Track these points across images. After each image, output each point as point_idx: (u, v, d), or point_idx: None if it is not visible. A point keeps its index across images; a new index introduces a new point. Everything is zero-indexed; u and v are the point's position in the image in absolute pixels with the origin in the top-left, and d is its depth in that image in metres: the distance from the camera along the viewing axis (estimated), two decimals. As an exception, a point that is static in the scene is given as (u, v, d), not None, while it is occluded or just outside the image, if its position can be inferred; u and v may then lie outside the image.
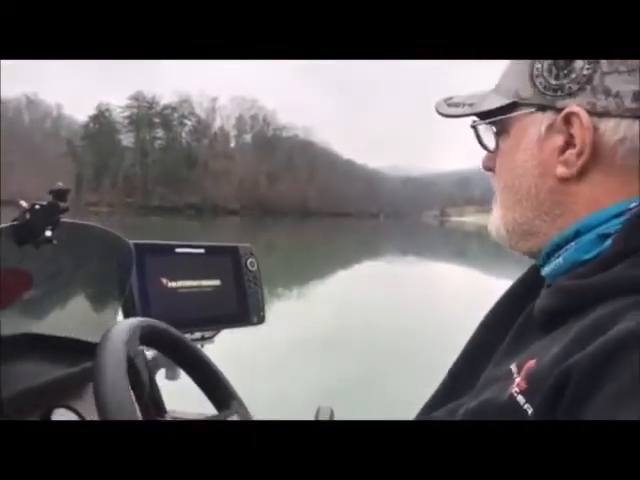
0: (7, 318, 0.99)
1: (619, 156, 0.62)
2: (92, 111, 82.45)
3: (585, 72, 0.62)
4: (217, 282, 1.36)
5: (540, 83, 0.65)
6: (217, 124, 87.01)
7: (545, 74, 0.64)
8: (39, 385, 0.90)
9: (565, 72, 0.63)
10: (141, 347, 0.73)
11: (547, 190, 0.66)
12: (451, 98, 0.75)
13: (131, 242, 1.16)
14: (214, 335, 1.41)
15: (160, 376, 1.33)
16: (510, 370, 0.61)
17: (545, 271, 0.69)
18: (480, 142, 0.73)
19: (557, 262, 0.67)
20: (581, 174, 0.64)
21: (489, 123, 0.71)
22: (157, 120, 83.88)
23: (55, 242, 0.83)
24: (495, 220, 0.73)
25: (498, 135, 0.70)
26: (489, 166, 0.74)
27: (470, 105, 0.72)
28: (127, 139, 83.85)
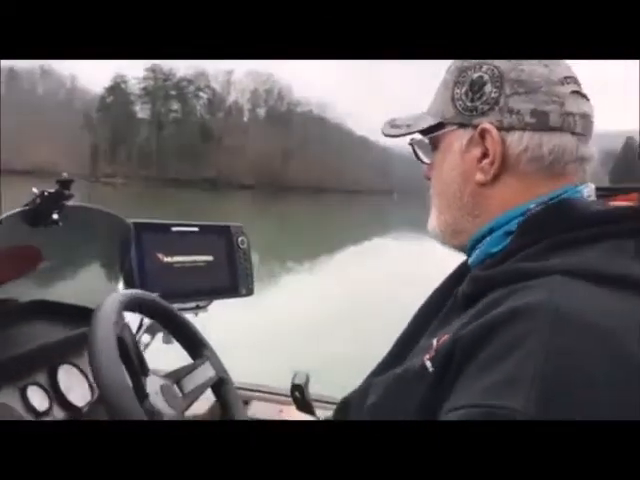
0: (21, 287, 1.15)
1: (523, 163, 0.75)
2: (107, 83, 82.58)
3: (493, 95, 0.75)
4: (210, 258, 1.50)
5: (460, 105, 0.78)
6: (232, 98, 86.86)
7: (463, 97, 0.78)
8: (47, 344, 1.06)
9: (478, 95, 0.76)
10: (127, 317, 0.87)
11: (469, 194, 0.80)
12: (394, 120, 0.88)
13: (130, 221, 1.31)
14: (207, 305, 1.56)
15: (158, 341, 1.49)
16: (432, 343, 0.74)
17: (469, 262, 0.83)
18: (417, 156, 0.86)
19: (476, 254, 0.81)
20: (495, 180, 0.77)
21: (425, 139, 0.84)
22: (173, 92, 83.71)
23: (61, 224, 0.98)
24: (432, 221, 0.87)
25: (432, 150, 0.84)
26: (428, 176, 0.87)
27: (407, 126, 0.85)
28: (143, 111, 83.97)
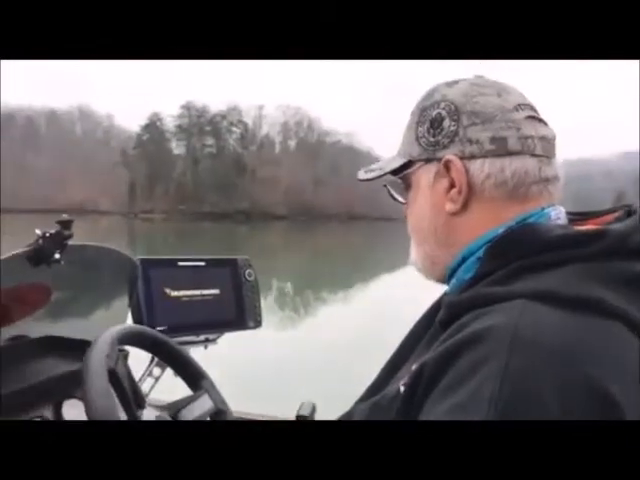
0: (32, 324, 1.20)
1: (488, 189, 0.78)
2: (143, 121, 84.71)
3: (452, 128, 0.78)
4: (217, 291, 1.55)
5: (423, 142, 0.82)
6: (263, 131, 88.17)
7: (426, 135, 0.82)
8: (54, 378, 1.09)
9: (438, 130, 0.80)
10: (123, 352, 0.90)
11: (441, 225, 0.83)
12: (369, 166, 0.92)
13: (137, 258, 1.36)
14: (217, 337, 1.59)
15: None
16: (411, 369, 0.76)
17: (448, 290, 0.85)
18: (392, 197, 0.90)
19: (453, 282, 0.83)
20: (464, 208, 0.80)
21: (398, 179, 0.87)
22: (208, 128, 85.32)
23: (62, 262, 1.03)
24: (412, 257, 0.90)
25: (405, 189, 0.87)
26: (406, 215, 0.90)
27: (380, 169, 0.89)
28: (178, 148, 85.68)
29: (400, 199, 0.89)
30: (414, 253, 0.89)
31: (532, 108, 0.80)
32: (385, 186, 0.90)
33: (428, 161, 0.82)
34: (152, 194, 79.04)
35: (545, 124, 0.80)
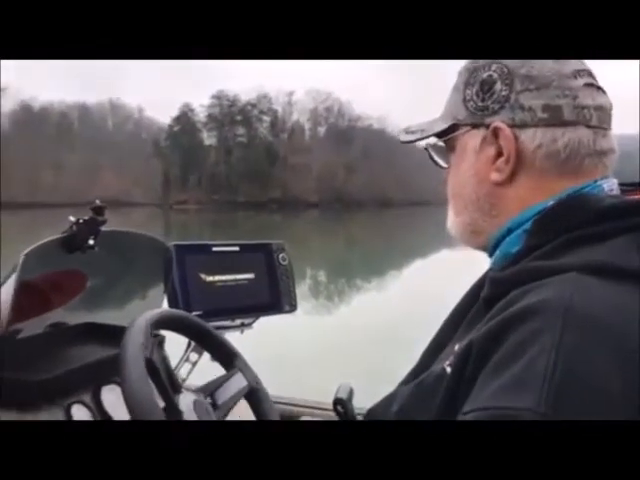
0: (71, 311, 1.21)
1: (538, 160, 0.74)
2: (173, 112, 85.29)
3: (503, 93, 0.74)
4: (251, 275, 1.54)
5: (471, 106, 0.78)
6: (294, 118, 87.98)
7: (474, 98, 0.77)
8: (92, 363, 1.10)
9: (488, 95, 0.76)
10: (159, 337, 0.90)
11: (485, 194, 0.79)
12: (409, 127, 0.88)
13: (172, 243, 1.36)
14: (252, 322, 1.59)
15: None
16: (454, 349, 0.74)
17: (491, 263, 0.82)
18: (433, 161, 0.86)
19: (497, 254, 0.80)
20: (511, 178, 0.76)
21: (438, 143, 0.84)
22: (239, 118, 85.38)
23: (97, 249, 1.03)
24: (450, 223, 0.86)
25: (448, 153, 0.84)
26: (446, 179, 0.87)
27: (422, 131, 0.85)
28: (210, 138, 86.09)
29: (441, 163, 0.85)
30: (452, 220, 0.85)
31: (590, 74, 0.75)
32: (426, 149, 0.86)
33: (475, 126, 0.78)
34: (185, 185, 79.80)
35: (603, 92, 0.75)
